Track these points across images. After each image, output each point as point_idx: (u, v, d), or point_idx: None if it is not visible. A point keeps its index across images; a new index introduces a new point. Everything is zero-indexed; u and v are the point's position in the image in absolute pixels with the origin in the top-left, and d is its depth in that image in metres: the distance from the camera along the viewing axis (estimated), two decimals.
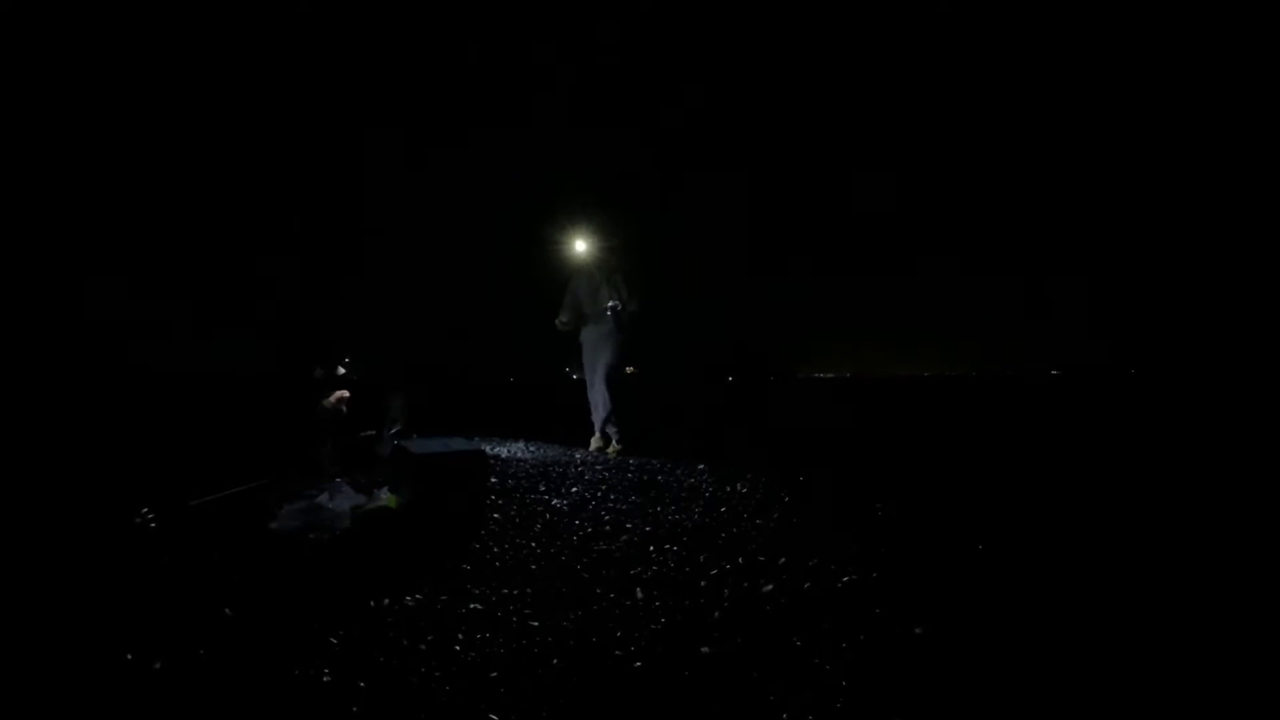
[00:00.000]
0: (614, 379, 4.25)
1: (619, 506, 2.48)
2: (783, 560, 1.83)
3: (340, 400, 3.53)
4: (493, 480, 2.83)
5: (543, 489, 2.75)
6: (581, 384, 4.42)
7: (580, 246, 4.41)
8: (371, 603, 1.52)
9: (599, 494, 2.67)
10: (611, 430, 4.18)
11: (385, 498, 2.32)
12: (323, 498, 2.34)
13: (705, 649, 1.30)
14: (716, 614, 1.47)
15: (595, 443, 4.22)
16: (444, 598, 1.56)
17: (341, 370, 3.76)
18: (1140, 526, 2.19)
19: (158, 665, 1.18)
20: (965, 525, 2.23)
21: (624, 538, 2.08)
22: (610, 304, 4.25)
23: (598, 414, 4.25)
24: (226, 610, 1.44)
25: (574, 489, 2.76)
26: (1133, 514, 2.37)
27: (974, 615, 1.46)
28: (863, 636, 1.34)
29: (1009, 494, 2.75)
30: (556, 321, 4.49)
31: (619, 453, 4.05)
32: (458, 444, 2.26)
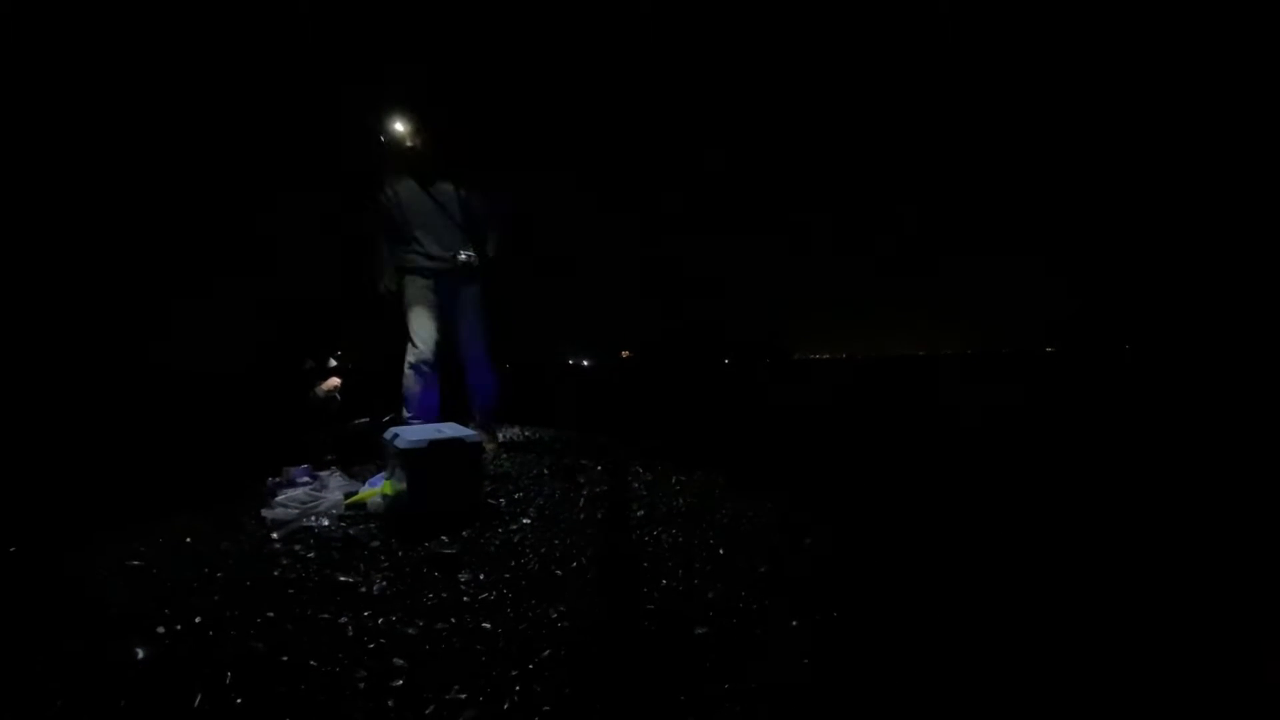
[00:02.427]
0: (489, 350, 2.97)
1: (614, 490, 2.47)
2: (778, 543, 1.83)
3: (333, 388, 3.51)
4: (486, 466, 2.82)
5: (534, 474, 2.74)
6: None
7: (399, 127, 2.72)
8: (363, 589, 1.51)
9: (594, 478, 2.67)
10: (489, 421, 3.11)
11: (380, 485, 2.31)
12: (316, 485, 2.33)
13: (700, 630, 1.30)
14: (711, 595, 1.47)
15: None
16: (436, 583, 1.55)
17: (333, 361, 3.74)
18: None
19: (141, 654, 1.17)
20: (961, 508, 2.24)
21: (619, 521, 2.07)
22: (464, 255, 2.80)
23: (475, 393, 3.02)
24: (215, 598, 1.44)
25: (568, 474, 2.75)
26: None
27: (970, 596, 1.46)
28: (860, 618, 1.34)
29: (1000, 473, 2.75)
30: (381, 286, 2.86)
31: (498, 451, 3.09)
32: (451, 430, 2.25)
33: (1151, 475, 2.64)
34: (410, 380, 2.83)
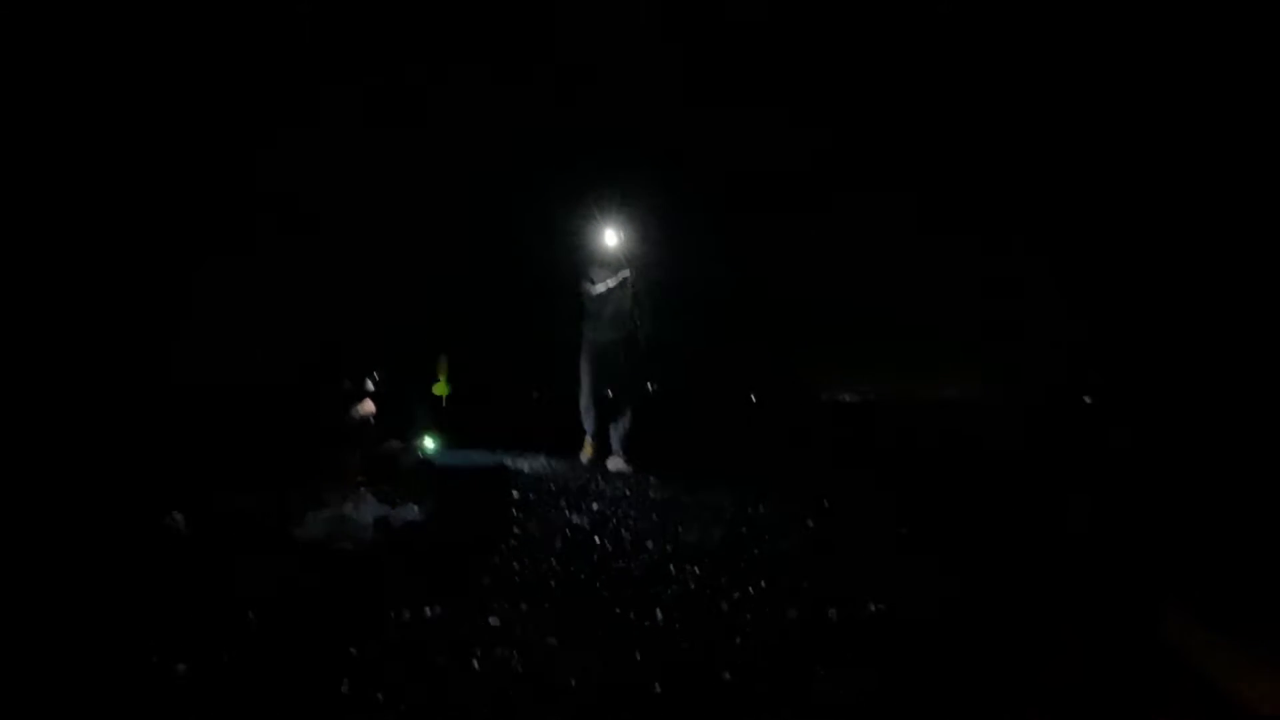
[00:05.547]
0: (632, 391, 3.97)
1: (639, 524, 2.45)
2: (807, 585, 1.79)
3: (368, 412, 3.59)
4: (514, 494, 2.83)
5: (562, 504, 2.74)
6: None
7: (611, 241, 3.89)
8: (391, 614, 1.52)
9: (619, 511, 2.65)
10: (615, 441, 3.93)
11: (411, 510, 2.34)
12: (347, 507, 2.37)
13: (726, 675, 1.27)
14: (738, 639, 1.44)
15: (590, 450, 3.97)
16: (463, 612, 1.55)
17: (370, 385, 3.83)
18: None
19: (181, 668, 1.20)
20: (999, 554, 2.16)
21: (644, 556, 2.05)
22: (626, 323, 3.85)
23: (616, 427, 3.95)
24: (250, 615, 1.46)
25: (594, 505, 2.74)
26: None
27: (1009, 654, 1.40)
28: (891, 669, 1.29)
29: (1039, 519, 2.65)
30: (436, 387, 4.06)
31: (623, 471, 3.78)
32: (480, 457, 2.28)
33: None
34: (584, 414, 3.98)
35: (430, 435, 2.67)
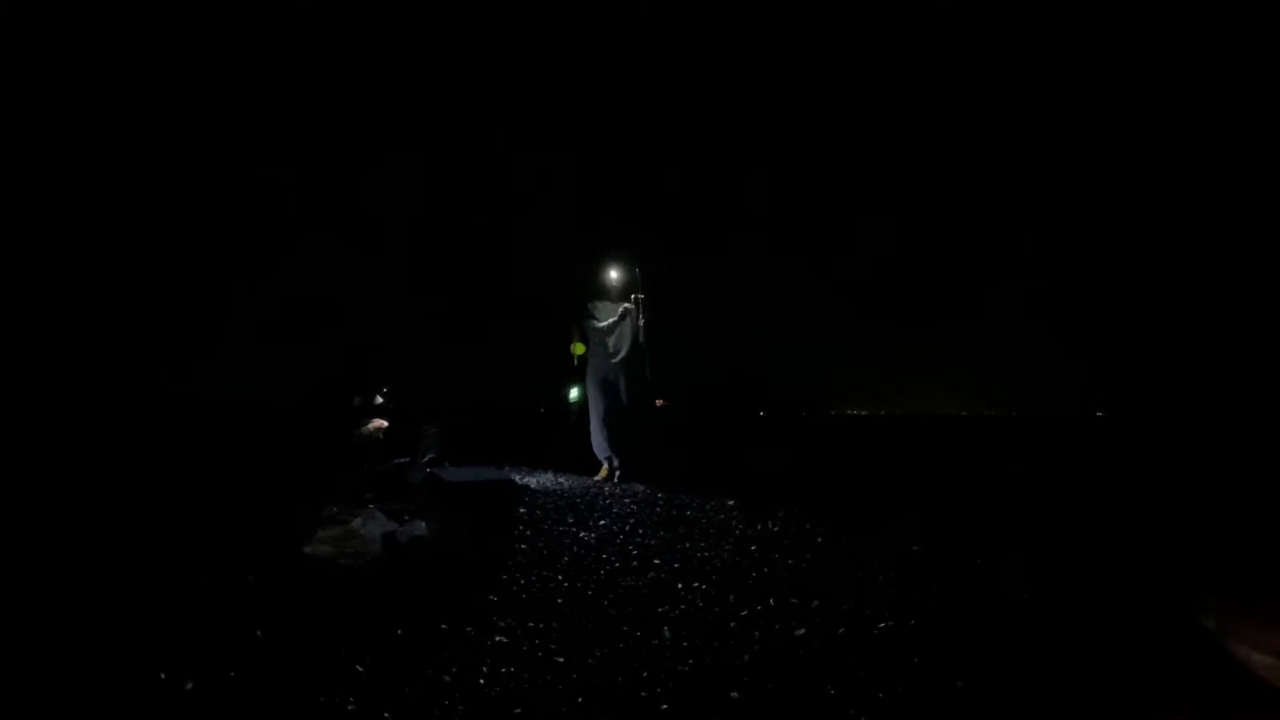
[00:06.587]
0: (640, 409, 4.18)
1: (647, 541, 2.44)
2: (816, 603, 1.77)
3: (377, 428, 3.61)
4: (521, 510, 2.82)
5: (570, 521, 2.73)
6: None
7: (613, 275, 4.24)
8: (399, 631, 1.52)
9: (627, 528, 2.64)
10: (618, 460, 4.14)
11: (418, 526, 2.35)
12: (356, 523, 2.37)
13: (734, 694, 1.25)
14: (746, 657, 1.42)
15: (605, 472, 4.17)
16: (470, 629, 1.55)
17: (380, 399, 3.86)
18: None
19: (189, 685, 1.20)
20: (1008, 571, 2.12)
21: (651, 574, 2.04)
22: (625, 347, 4.17)
23: (621, 445, 4.16)
24: (258, 633, 1.46)
25: (602, 521, 2.73)
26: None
27: (1017, 669, 1.38)
28: (900, 688, 1.27)
29: (1053, 537, 2.60)
30: (573, 348, 4.28)
31: (632, 476, 4.00)
32: (488, 473, 2.29)
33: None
34: (594, 432, 4.20)
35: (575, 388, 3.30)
